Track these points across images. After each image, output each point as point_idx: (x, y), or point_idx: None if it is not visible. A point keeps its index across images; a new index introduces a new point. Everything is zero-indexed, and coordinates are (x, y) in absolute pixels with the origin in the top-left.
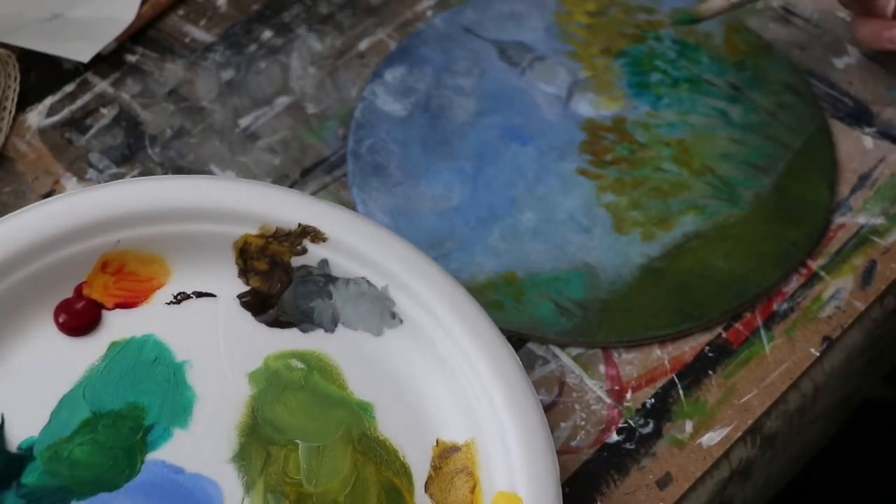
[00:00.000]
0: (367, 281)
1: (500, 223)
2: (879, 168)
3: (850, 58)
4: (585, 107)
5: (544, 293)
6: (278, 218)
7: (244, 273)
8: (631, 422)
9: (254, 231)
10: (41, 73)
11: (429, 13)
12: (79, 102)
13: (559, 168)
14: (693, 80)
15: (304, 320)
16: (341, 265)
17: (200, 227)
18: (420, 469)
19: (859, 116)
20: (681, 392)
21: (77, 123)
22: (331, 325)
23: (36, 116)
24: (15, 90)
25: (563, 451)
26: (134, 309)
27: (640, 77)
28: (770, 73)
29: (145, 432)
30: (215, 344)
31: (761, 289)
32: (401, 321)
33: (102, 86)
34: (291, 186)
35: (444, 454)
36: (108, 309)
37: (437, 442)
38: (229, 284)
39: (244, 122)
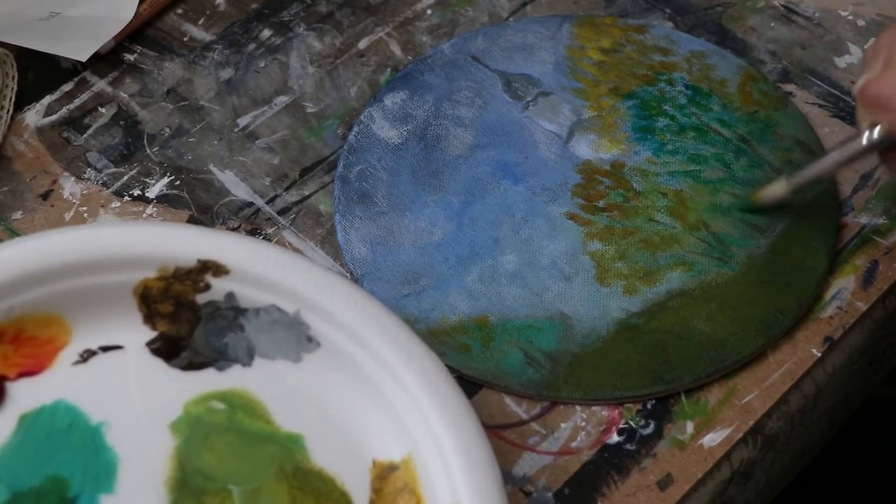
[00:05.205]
0: (278, 308)
1: (480, 263)
2: (881, 168)
3: (852, 57)
4: (585, 148)
5: (514, 341)
6: (175, 257)
7: (149, 319)
8: (631, 422)
9: (152, 274)
10: (39, 72)
11: (429, 12)
12: (77, 101)
13: (548, 210)
14: (700, 129)
15: (218, 358)
16: (248, 296)
17: (95, 279)
18: (360, 494)
19: None
20: (682, 393)
21: (75, 122)
22: (247, 359)
23: (34, 115)
24: (13, 89)
25: (563, 452)
26: (39, 375)
27: (646, 121)
28: (782, 126)
29: None
30: (130, 398)
31: (739, 356)
32: (318, 344)
33: (101, 85)
34: (290, 186)
35: (383, 474)
36: (12, 380)
37: (373, 463)
38: (136, 333)
39: (243, 121)
